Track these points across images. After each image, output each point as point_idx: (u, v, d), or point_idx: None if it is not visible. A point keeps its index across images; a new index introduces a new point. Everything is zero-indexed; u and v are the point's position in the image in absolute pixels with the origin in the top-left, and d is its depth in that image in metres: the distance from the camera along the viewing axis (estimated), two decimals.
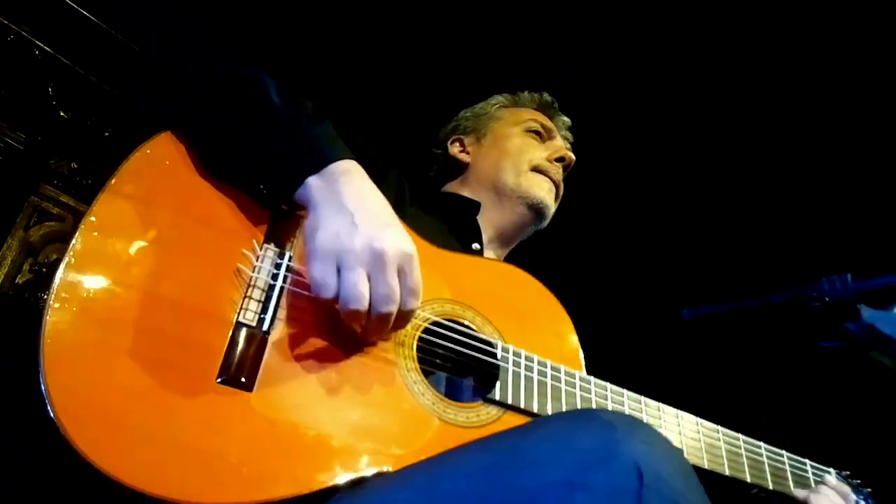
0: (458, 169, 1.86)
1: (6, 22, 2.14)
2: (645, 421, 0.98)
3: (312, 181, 1.12)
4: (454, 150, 1.88)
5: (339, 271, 1.03)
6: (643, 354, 1.37)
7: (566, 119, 1.97)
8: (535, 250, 1.45)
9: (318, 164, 1.13)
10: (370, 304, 1.03)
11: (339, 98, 2.46)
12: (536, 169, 1.74)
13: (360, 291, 1.01)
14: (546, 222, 1.78)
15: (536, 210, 1.72)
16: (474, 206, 1.74)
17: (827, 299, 0.98)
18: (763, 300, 1.07)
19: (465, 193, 1.79)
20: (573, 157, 1.79)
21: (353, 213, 1.07)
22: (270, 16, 2.43)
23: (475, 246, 1.68)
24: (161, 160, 1.14)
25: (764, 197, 2.91)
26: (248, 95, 1.21)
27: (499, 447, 0.95)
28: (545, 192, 1.72)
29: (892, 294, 0.95)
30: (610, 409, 1.31)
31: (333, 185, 1.11)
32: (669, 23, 2.54)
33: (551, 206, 1.75)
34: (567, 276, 1.44)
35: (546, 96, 1.95)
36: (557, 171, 1.77)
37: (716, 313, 1.07)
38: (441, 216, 1.64)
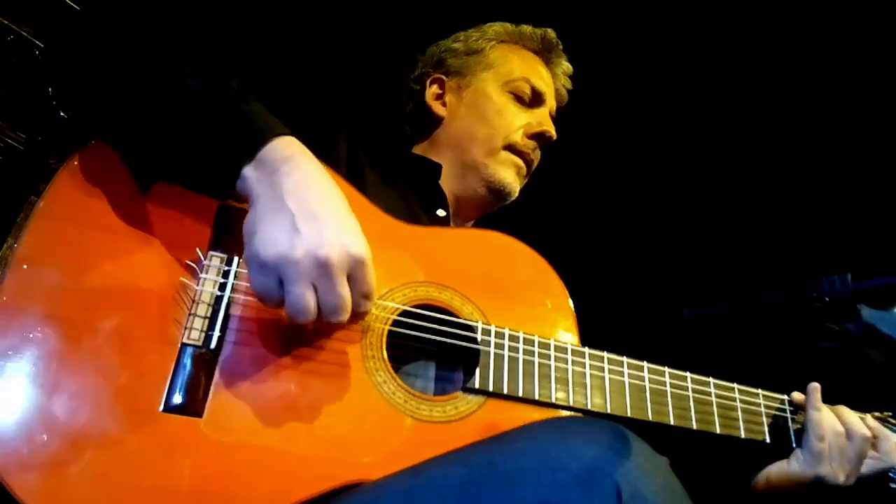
0: (431, 123, 1.70)
1: (6, 22, 2.14)
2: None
3: (249, 172, 0.98)
4: (431, 95, 1.72)
5: (281, 282, 0.93)
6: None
7: (567, 66, 1.80)
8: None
9: (249, 149, 0.99)
10: (320, 314, 0.95)
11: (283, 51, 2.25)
12: (511, 147, 1.61)
13: (304, 305, 0.93)
14: (509, 201, 1.67)
15: (497, 194, 1.63)
16: (435, 170, 1.61)
17: (827, 299, 0.98)
18: (763, 300, 1.06)
19: (430, 154, 1.67)
20: (554, 134, 1.66)
21: (294, 214, 0.95)
22: None
23: (440, 212, 1.57)
24: (91, 174, 1.06)
25: (764, 197, 2.91)
26: (157, 82, 1.03)
27: (474, 461, 0.90)
28: (512, 177, 1.61)
29: (892, 294, 0.95)
30: (608, 380, 1.24)
31: (272, 177, 0.98)
32: (672, 22, 2.55)
33: (515, 190, 1.64)
34: (567, 275, 1.44)
35: (550, 35, 1.77)
36: (534, 151, 1.65)
37: (716, 313, 1.06)
38: (404, 180, 1.54)
